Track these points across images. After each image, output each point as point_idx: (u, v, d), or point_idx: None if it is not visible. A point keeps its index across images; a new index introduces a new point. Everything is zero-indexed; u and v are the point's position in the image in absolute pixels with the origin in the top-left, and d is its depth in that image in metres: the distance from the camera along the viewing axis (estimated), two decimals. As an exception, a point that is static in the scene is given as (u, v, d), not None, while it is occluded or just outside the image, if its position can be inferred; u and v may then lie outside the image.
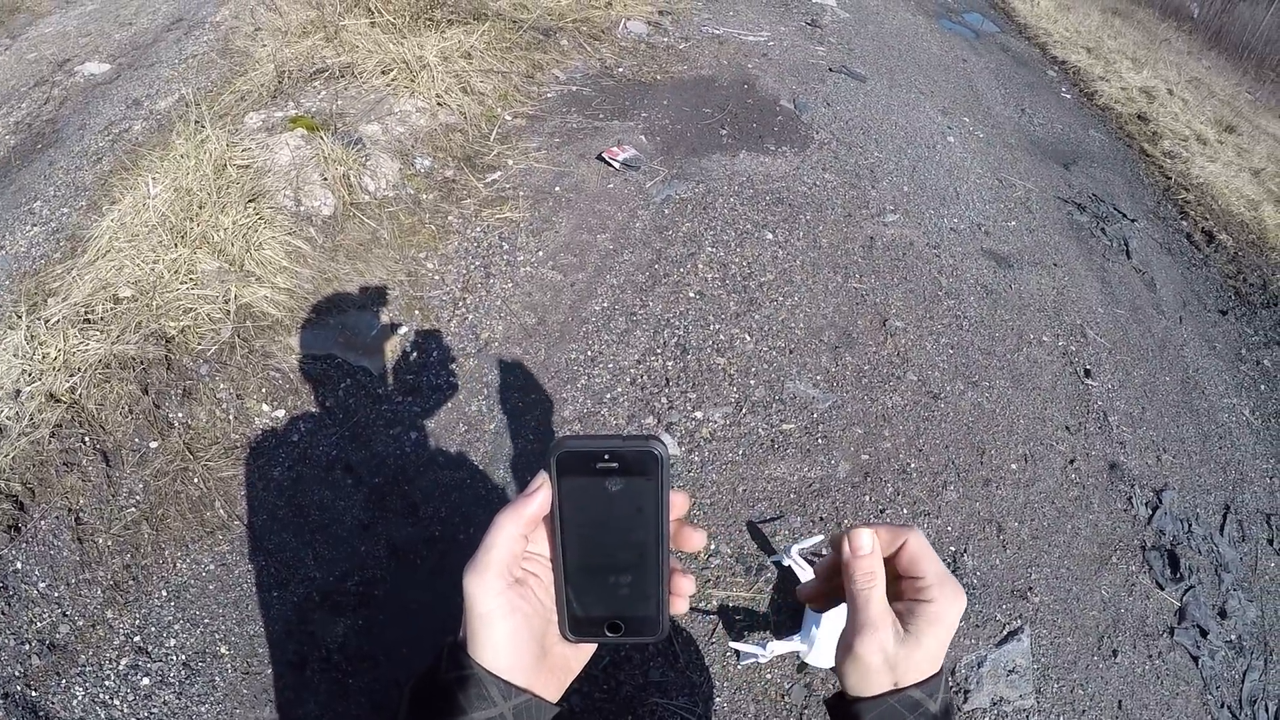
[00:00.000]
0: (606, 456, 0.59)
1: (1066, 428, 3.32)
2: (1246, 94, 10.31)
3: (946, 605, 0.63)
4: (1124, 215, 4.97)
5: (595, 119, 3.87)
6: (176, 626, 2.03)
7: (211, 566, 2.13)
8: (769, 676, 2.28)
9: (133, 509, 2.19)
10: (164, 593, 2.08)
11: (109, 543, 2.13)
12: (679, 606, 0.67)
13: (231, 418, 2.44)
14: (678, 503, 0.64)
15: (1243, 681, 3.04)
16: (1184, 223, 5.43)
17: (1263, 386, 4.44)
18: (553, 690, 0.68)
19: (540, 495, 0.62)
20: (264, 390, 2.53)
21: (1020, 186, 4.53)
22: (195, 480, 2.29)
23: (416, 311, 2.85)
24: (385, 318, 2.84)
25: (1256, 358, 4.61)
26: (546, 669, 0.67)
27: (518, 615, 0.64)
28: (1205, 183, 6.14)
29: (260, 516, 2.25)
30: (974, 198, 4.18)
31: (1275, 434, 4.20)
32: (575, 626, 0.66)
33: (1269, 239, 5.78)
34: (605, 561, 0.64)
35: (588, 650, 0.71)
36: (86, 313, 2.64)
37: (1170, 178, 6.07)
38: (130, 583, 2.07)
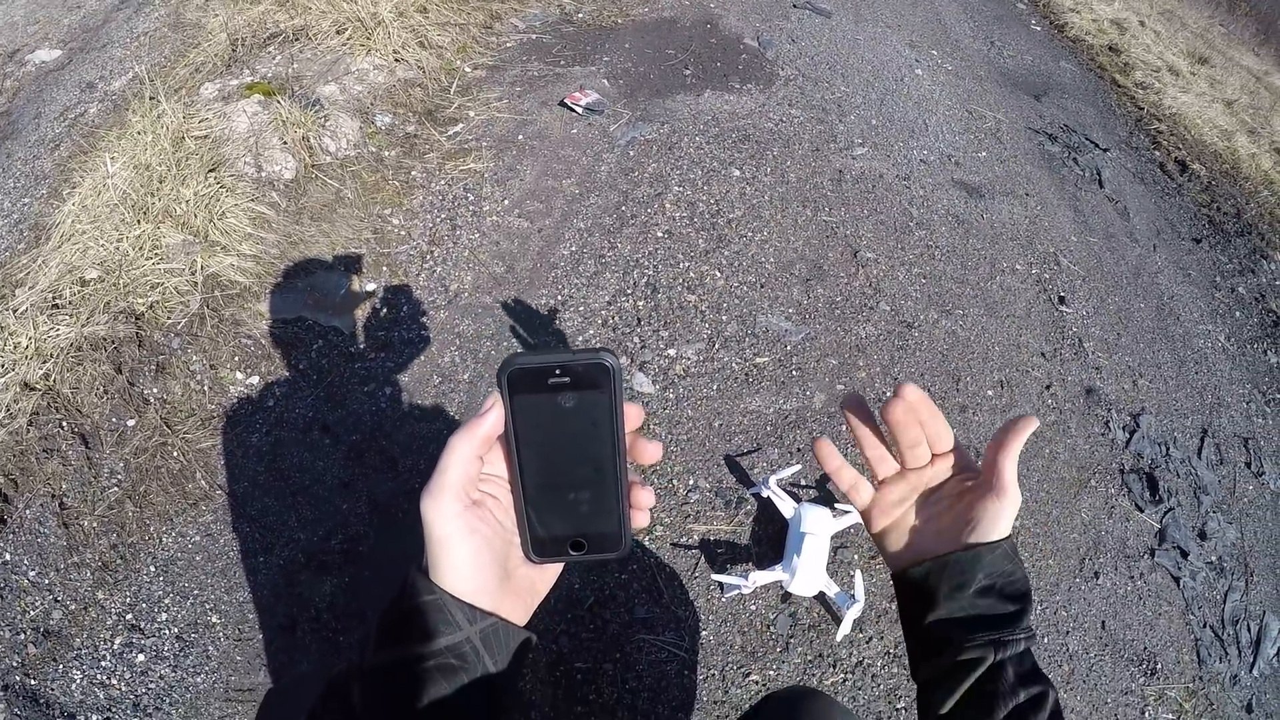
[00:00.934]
0: (558, 371, 0.58)
1: (1042, 354, 3.33)
2: (1219, 26, 10.26)
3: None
4: (1096, 145, 4.96)
5: (556, 65, 3.81)
6: (167, 600, 2.04)
7: (197, 538, 2.13)
8: (753, 608, 2.29)
9: (115, 489, 2.19)
10: (152, 568, 2.08)
11: (94, 524, 2.13)
12: (640, 520, 0.67)
13: (206, 389, 2.42)
14: (632, 415, 0.64)
15: (1224, 602, 3.08)
16: (1157, 153, 5.43)
17: (1237, 313, 4.46)
18: (519, 613, 0.68)
19: (492, 414, 0.61)
20: (236, 358, 2.51)
21: (990, 118, 4.51)
22: (174, 454, 2.28)
23: (384, 268, 2.82)
24: (353, 277, 2.81)
25: (1231, 285, 4.63)
26: (511, 592, 0.67)
27: (477, 537, 0.63)
28: (1178, 113, 6.12)
29: (241, 484, 2.25)
30: (943, 130, 4.15)
31: (1250, 360, 4.23)
32: (538, 547, 0.66)
33: (1242, 169, 5.78)
34: (563, 479, 0.63)
35: (553, 572, 0.71)
36: (54, 298, 2.60)
37: (1142, 108, 6.05)
38: (118, 562, 2.07)
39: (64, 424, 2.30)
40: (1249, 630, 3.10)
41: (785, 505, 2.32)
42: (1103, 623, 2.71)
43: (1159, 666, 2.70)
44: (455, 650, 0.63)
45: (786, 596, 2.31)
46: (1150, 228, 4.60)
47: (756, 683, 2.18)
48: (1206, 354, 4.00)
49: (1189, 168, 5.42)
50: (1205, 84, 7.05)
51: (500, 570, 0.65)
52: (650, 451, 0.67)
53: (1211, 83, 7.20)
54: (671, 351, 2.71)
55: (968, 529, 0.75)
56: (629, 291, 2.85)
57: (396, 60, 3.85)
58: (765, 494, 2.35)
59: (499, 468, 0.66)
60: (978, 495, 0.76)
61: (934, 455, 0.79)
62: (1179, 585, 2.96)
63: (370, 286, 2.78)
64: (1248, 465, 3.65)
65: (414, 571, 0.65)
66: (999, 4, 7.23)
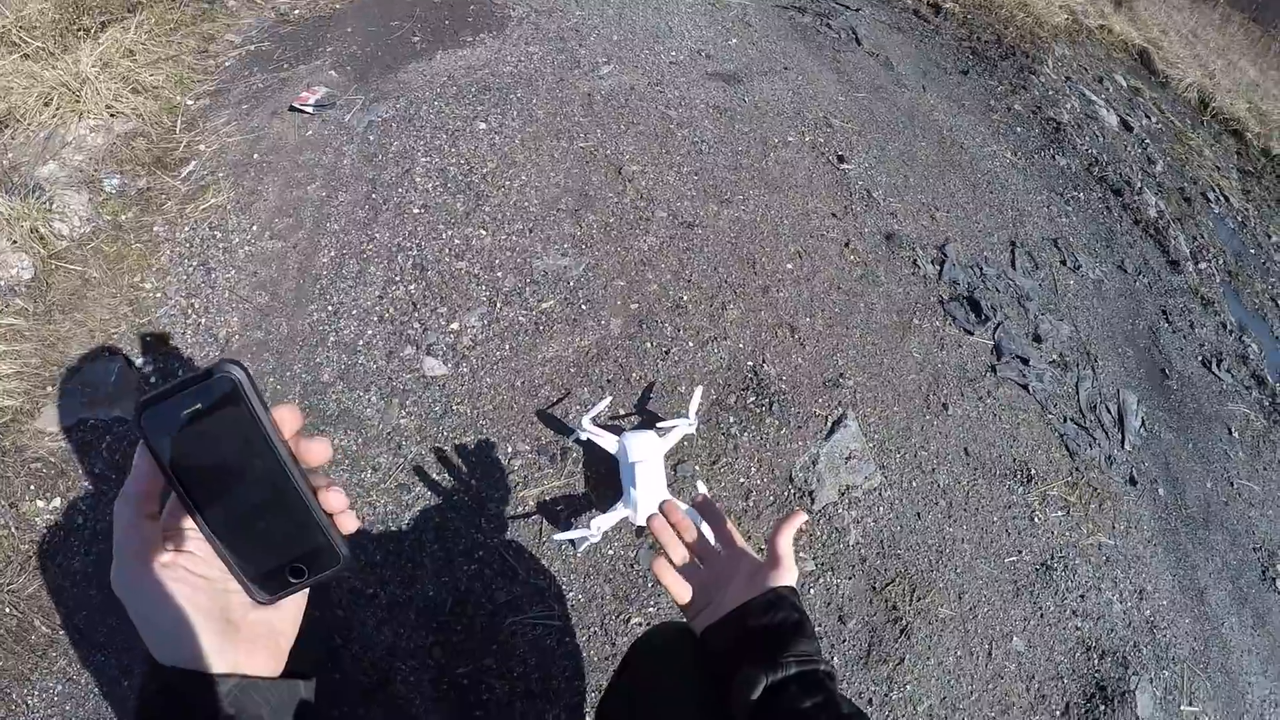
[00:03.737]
0: (185, 399, 0.55)
1: (833, 214, 3.31)
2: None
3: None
4: (847, 7, 5.01)
5: (280, 71, 3.51)
6: (54, 764, 1.78)
7: (59, 688, 1.88)
8: (610, 552, 2.18)
9: (-46, 675, 1.88)
10: (27, 736, 1.82)
11: None
12: (347, 524, 0.63)
13: (13, 529, 2.13)
14: (287, 418, 0.60)
15: (1077, 393, 3.19)
16: (909, 0, 5.56)
17: (1018, 129, 4.64)
18: (267, 662, 0.62)
19: (139, 467, 0.58)
20: (32, 487, 2.21)
21: (735, 4, 4.46)
22: (6, 610, 2.00)
23: (148, 338, 2.56)
24: (121, 358, 2.54)
25: (1006, 105, 4.80)
26: (246, 641, 0.61)
27: (177, 599, 0.58)
28: (921, -41, 6.29)
29: (80, 614, 1.98)
30: (688, 27, 4.07)
31: (1040, 167, 4.41)
32: (260, 585, 0.61)
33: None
34: (245, 508, 0.59)
35: (293, 608, 0.65)
36: None
37: (888, -37, 6.19)
38: None
39: None
40: (1109, 410, 3.23)
41: (608, 441, 2.20)
42: (965, 449, 2.74)
43: (1033, 472, 2.75)
44: None
45: (640, 531, 2.22)
46: (916, 71, 4.70)
47: (640, 624, 2.08)
48: (997, 173, 4.13)
49: (942, 8, 5.58)
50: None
51: (220, 624, 0.60)
52: (317, 450, 0.62)
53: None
54: (454, 325, 2.54)
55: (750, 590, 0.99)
56: (397, 279, 2.64)
57: (112, 115, 3.47)
58: (584, 436, 2.22)
59: (186, 520, 0.61)
60: (764, 570, 1.00)
61: (726, 551, 1.09)
62: (1029, 391, 3.02)
63: (139, 361, 2.51)
64: (1062, 263, 3.80)
65: (142, 669, 0.59)
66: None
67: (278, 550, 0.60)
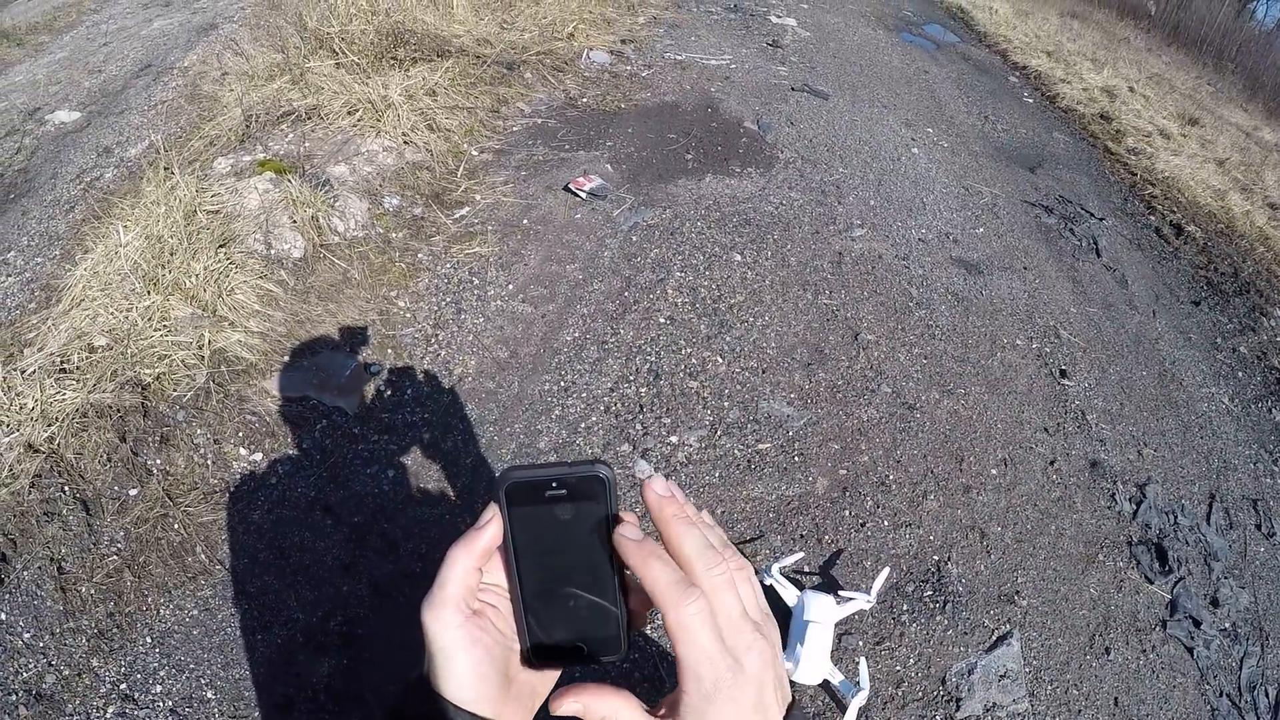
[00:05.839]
0: (554, 484, 0.59)
1: (1045, 429, 3.33)
2: (1207, 86, 10.49)
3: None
4: (1092, 214, 5.03)
5: (561, 150, 3.90)
6: (162, 673, 2.01)
7: (195, 612, 2.12)
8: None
9: (114, 557, 2.18)
10: (149, 639, 2.06)
11: (92, 591, 2.12)
12: (639, 623, 0.67)
13: (209, 463, 2.43)
14: (627, 522, 0.63)
15: (1240, 668, 3.03)
16: (1152, 217, 5.50)
17: (1240, 373, 4.47)
18: (520, 719, 0.68)
19: (491, 527, 0.62)
20: (241, 434, 2.52)
21: (986, 193, 4.58)
22: (175, 526, 2.28)
23: (389, 350, 2.85)
24: (359, 357, 2.84)
25: (1232, 345, 4.65)
26: (512, 698, 0.67)
27: (479, 648, 0.63)
28: (1171, 176, 6.22)
29: (241, 560, 2.24)
30: (940, 207, 4.22)
31: (1255, 419, 4.23)
32: (537, 653, 0.66)
33: (1237, 227, 5.85)
34: (561, 586, 0.64)
35: (552, 676, 0.71)
36: (62, 362, 2.63)
37: (1136, 174, 6.15)
38: (115, 630, 2.06)
39: (66, 489, 2.31)
40: (1267, 695, 3.05)
41: (788, 593, 2.30)
42: (1115, 699, 2.67)
43: (1175, 744, 2.65)
44: None
45: (792, 685, 2.28)
46: (1149, 293, 4.64)
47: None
48: (1211, 417, 4.00)
49: (1184, 230, 5.49)
50: (1196, 145, 7.18)
51: (501, 678, 0.66)
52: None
53: (1202, 143, 7.33)
54: (674, 439, 2.72)
55: None
56: (631, 378, 2.86)
57: (405, 143, 3.94)
58: (769, 582, 2.34)
59: (497, 576, 0.67)
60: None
61: None
62: (1193, 655, 2.92)
63: (375, 368, 2.80)
64: (1258, 527, 3.62)
65: (416, 677, 0.65)
66: (992, 78, 7.42)
67: (573, 628, 0.65)
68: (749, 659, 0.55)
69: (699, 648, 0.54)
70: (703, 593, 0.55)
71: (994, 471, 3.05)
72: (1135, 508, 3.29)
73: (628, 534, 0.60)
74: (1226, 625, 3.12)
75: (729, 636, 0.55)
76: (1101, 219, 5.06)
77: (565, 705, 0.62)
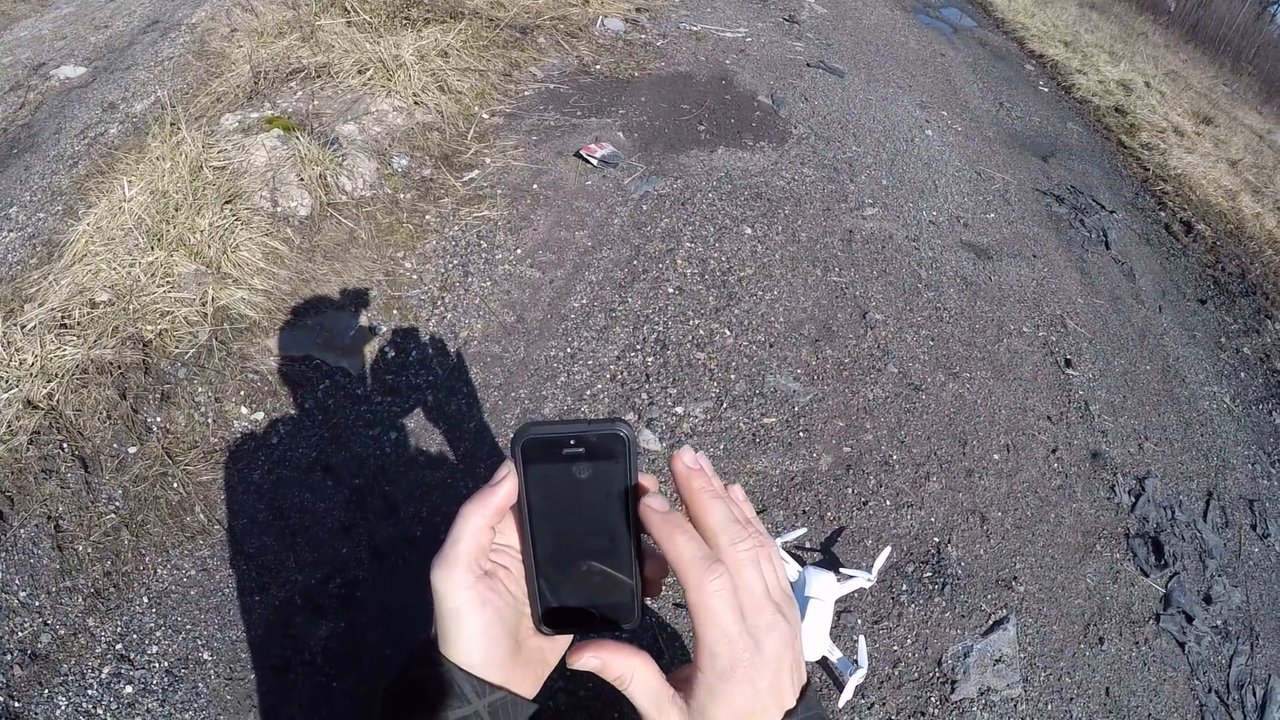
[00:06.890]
0: (572, 441, 0.57)
1: (1048, 417, 3.33)
2: (1223, 86, 10.42)
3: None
4: (1102, 207, 5.01)
5: (573, 116, 3.86)
6: (159, 633, 2.01)
7: (192, 572, 2.11)
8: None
9: (112, 515, 2.17)
10: (145, 599, 2.05)
11: (89, 550, 2.10)
12: (653, 591, 0.64)
13: (210, 421, 2.41)
14: (646, 485, 0.61)
15: (1229, 666, 3.05)
16: (1162, 213, 5.48)
17: (1242, 374, 4.47)
18: (529, 686, 0.66)
19: (506, 485, 0.60)
20: (242, 393, 2.51)
21: (999, 179, 4.56)
22: (175, 485, 2.27)
23: (395, 311, 2.83)
24: (364, 318, 2.81)
25: (1236, 345, 4.65)
26: (522, 663, 0.65)
27: (489, 609, 0.62)
28: (1183, 174, 6.19)
29: (240, 520, 2.23)
30: (952, 191, 4.19)
31: (1255, 421, 4.24)
32: (549, 618, 0.64)
33: (1246, 229, 5.83)
34: (576, 549, 0.61)
35: (563, 643, 0.68)
36: (63, 318, 2.60)
37: (1148, 169, 6.12)
38: (111, 590, 2.04)
39: (64, 445, 2.29)
40: (1254, 694, 3.07)
41: (789, 568, 2.30)
42: (1107, 689, 2.68)
43: (1164, 735, 2.67)
44: None
45: (800, 665, 2.29)
46: (1156, 289, 4.63)
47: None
48: (1212, 416, 4.00)
49: (1194, 228, 5.47)
50: (1210, 144, 7.14)
51: (511, 642, 0.64)
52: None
53: (1216, 142, 7.29)
54: (679, 409, 2.71)
55: None
56: (638, 347, 2.85)
57: (416, 103, 3.89)
58: (770, 555, 2.33)
59: (510, 536, 0.64)
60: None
61: None
62: (1184, 650, 2.94)
63: (380, 329, 2.78)
64: (1253, 527, 3.64)
65: (423, 641, 0.63)
66: (1008, 65, 7.35)
67: (586, 593, 0.63)
68: (768, 640, 0.54)
69: (719, 627, 0.53)
70: (726, 569, 0.54)
71: (996, 456, 3.05)
72: (1134, 500, 3.30)
73: (654, 504, 0.58)
74: (1218, 622, 3.14)
75: (750, 615, 0.54)
76: (1112, 212, 5.04)
77: (583, 660, 0.60)
